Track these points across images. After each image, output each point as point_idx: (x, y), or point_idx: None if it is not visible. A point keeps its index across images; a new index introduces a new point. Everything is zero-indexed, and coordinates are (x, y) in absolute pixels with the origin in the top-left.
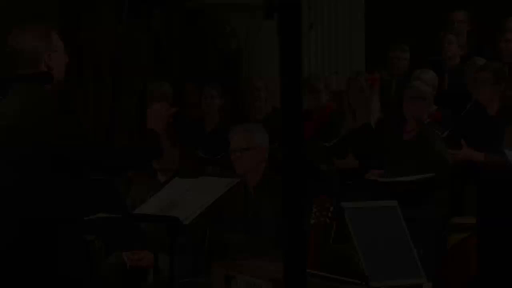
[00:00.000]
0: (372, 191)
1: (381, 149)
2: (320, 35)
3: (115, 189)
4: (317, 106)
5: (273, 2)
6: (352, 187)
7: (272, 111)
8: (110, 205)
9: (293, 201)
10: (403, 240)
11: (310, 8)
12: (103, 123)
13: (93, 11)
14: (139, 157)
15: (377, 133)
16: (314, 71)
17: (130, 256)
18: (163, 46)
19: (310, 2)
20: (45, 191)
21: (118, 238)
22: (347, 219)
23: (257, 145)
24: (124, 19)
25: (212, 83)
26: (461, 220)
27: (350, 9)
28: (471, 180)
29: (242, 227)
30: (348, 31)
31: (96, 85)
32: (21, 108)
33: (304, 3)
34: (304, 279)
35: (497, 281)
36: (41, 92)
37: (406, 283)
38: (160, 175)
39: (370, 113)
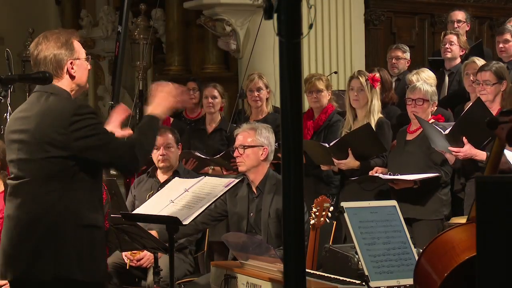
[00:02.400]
0: (372, 191)
1: (381, 150)
2: (320, 35)
3: (116, 189)
4: (317, 106)
5: (273, 2)
6: (352, 187)
7: (272, 111)
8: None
9: (293, 201)
10: (403, 240)
11: (310, 8)
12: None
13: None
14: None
15: (378, 133)
16: (314, 71)
17: (130, 256)
18: (163, 46)
19: (310, 2)
20: (64, 191)
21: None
22: (347, 219)
23: (260, 143)
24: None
25: (213, 83)
26: (461, 220)
27: (350, 9)
28: (472, 179)
29: (244, 226)
30: (348, 31)
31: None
32: (42, 112)
33: (304, 3)
34: (303, 279)
35: (497, 280)
36: (62, 96)
37: (406, 283)
38: (160, 175)
39: (371, 113)
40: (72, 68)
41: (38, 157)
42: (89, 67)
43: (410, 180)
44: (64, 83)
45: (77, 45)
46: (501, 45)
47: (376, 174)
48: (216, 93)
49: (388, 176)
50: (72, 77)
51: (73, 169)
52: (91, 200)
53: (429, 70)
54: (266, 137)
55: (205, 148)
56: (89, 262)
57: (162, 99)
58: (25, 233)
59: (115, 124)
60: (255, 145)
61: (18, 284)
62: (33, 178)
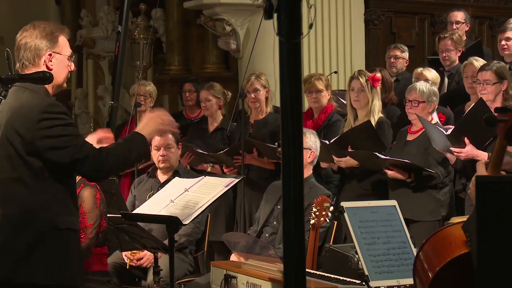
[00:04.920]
0: (372, 190)
1: (381, 148)
2: (320, 35)
3: (116, 189)
4: (317, 106)
5: (273, 2)
6: (352, 187)
7: (273, 111)
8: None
9: (293, 201)
10: (403, 240)
11: (310, 8)
12: (103, 122)
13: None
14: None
15: (378, 132)
16: (314, 71)
17: (130, 256)
18: (163, 46)
19: (310, 2)
20: (38, 189)
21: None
22: (347, 219)
23: (309, 147)
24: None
25: (208, 84)
26: (461, 219)
27: (350, 9)
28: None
29: (265, 216)
30: (348, 31)
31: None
32: (14, 108)
33: (304, 3)
34: (303, 279)
35: (497, 281)
36: (35, 91)
37: (406, 283)
38: (160, 175)
39: (371, 113)
40: (50, 61)
41: (6, 154)
42: (72, 67)
43: (405, 164)
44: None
45: (62, 40)
46: (503, 43)
47: (376, 153)
48: (209, 95)
49: (385, 156)
50: (48, 69)
51: (42, 169)
52: (65, 202)
53: (433, 70)
54: (314, 142)
55: (206, 148)
56: (65, 266)
57: (151, 119)
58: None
59: (93, 138)
60: (305, 147)
61: None
62: (4, 178)
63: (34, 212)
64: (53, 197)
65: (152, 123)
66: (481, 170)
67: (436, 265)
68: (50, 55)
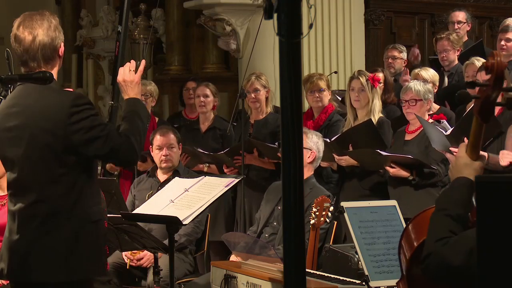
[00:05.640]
0: (372, 190)
1: (382, 146)
2: (320, 35)
3: (116, 189)
4: (319, 105)
5: (273, 2)
6: (352, 186)
7: (273, 111)
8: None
9: (293, 201)
10: None
11: (310, 8)
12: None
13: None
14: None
15: (379, 131)
16: (314, 71)
17: (130, 256)
18: (163, 46)
19: (310, 2)
20: (58, 185)
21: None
22: (347, 219)
23: (309, 147)
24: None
25: (205, 82)
26: None
27: (350, 9)
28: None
29: (265, 218)
30: (348, 31)
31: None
32: (38, 106)
33: (304, 3)
34: (303, 279)
35: (497, 281)
36: (52, 88)
37: None
38: (160, 175)
39: (371, 112)
40: (62, 50)
41: (37, 156)
42: None
43: (407, 160)
44: (55, 67)
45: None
46: (502, 43)
47: (377, 150)
48: (208, 92)
49: (387, 153)
50: (60, 58)
51: (75, 164)
52: (94, 194)
53: (431, 69)
54: (315, 142)
55: (199, 148)
56: (99, 258)
57: (129, 83)
58: (36, 235)
59: None
60: (304, 147)
61: (27, 287)
62: (36, 177)
63: (69, 210)
64: (84, 192)
65: (131, 85)
66: (461, 151)
67: (414, 243)
68: (61, 45)
